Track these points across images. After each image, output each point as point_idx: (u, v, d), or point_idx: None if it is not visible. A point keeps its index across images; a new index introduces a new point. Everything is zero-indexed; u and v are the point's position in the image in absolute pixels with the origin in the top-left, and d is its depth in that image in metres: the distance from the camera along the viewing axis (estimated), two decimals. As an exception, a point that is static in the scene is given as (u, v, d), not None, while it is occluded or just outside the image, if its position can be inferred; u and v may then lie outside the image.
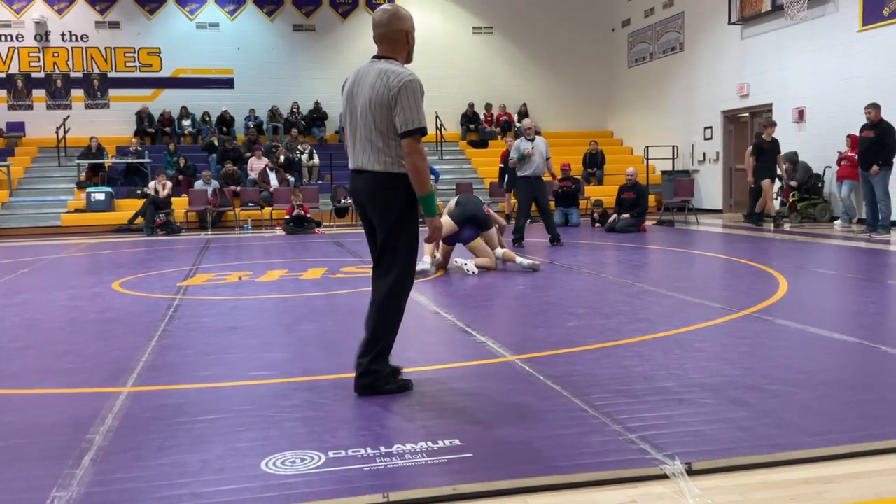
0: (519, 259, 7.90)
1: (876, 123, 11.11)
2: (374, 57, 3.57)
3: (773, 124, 13.13)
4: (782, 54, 14.89)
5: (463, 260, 7.88)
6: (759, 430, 2.98)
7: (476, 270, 7.76)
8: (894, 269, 7.93)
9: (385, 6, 3.63)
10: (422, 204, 3.50)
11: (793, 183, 13.76)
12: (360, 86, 3.51)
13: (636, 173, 13.53)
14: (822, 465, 2.68)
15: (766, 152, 12.99)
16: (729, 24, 16.25)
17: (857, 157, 11.84)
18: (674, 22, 18.61)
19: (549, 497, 2.49)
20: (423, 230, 3.53)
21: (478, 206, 8.06)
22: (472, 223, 7.95)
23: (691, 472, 2.61)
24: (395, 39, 3.54)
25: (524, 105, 21.50)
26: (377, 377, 3.53)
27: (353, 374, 3.59)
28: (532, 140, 10.32)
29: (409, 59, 3.62)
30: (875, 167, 11.00)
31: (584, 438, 2.93)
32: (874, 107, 11.14)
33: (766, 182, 13.09)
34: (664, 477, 2.59)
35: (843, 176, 12.90)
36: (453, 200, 8.19)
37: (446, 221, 7.80)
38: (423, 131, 3.39)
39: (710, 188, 17.52)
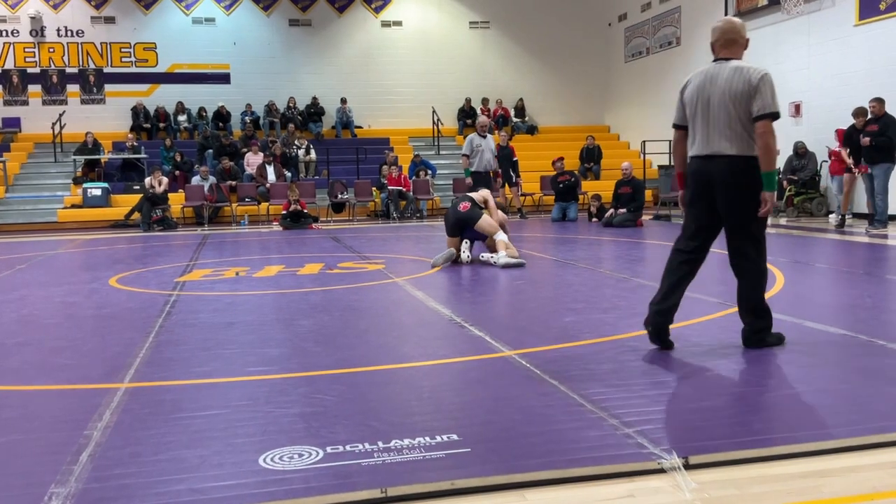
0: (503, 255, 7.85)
1: (879, 117, 11.08)
2: (719, 59, 4.14)
3: (864, 113, 11.33)
4: (779, 49, 14.89)
5: (488, 255, 8.09)
6: (755, 424, 2.98)
7: (503, 259, 7.77)
8: (891, 263, 7.95)
9: (723, 17, 4.21)
10: (765, 179, 3.98)
11: (793, 176, 13.75)
12: (714, 82, 4.06)
13: (632, 168, 13.53)
14: (818, 458, 2.69)
15: (855, 142, 11.50)
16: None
17: (842, 152, 11.89)
18: (670, 16, 18.60)
19: (546, 492, 2.50)
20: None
21: (455, 212, 8.21)
22: (461, 226, 8.15)
23: (688, 467, 2.61)
24: (739, 43, 4.15)
25: (521, 100, 21.50)
26: (762, 331, 4.17)
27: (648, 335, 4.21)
28: (484, 137, 11.40)
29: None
30: (862, 164, 11.01)
31: (582, 433, 2.93)
32: (878, 101, 11.08)
33: (846, 176, 11.92)
34: (661, 471, 2.60)
35: (834, 171, 12.91)
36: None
37: (450, 241, 8.24)
38: (776, 115, 3.96)
39: (707, 183, 17.50)
